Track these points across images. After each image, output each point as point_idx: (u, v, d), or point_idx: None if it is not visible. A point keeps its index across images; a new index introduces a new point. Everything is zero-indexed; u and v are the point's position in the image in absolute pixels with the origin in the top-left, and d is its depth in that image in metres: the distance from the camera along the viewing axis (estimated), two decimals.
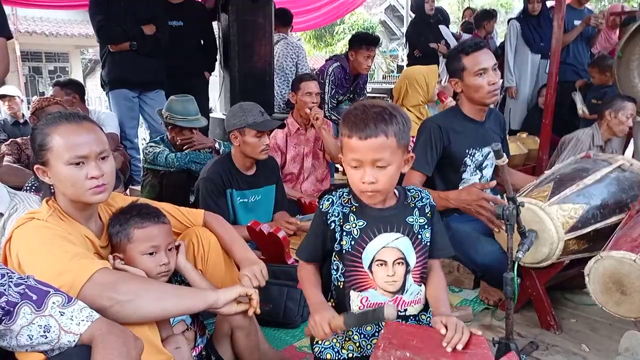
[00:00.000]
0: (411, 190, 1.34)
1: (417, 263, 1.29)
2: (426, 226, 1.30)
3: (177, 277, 1.56)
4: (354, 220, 1.27)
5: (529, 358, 1.78)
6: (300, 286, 1.37)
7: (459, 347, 1.11)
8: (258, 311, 1.37)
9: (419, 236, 1.29)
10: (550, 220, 1.74)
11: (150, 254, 1.40)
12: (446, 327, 1.14)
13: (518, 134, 4.07)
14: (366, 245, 1.26)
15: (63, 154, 1.24)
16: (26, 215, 1.29)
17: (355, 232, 1.26)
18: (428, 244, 1.31)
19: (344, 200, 1.30)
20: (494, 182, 2.05)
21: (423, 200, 1.33)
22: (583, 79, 4.32)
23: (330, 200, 1.30)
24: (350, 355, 1.29)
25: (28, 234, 1.23)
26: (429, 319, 1.34)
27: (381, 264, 1.26)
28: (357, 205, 1.28)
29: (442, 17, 5.73)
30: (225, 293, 1.31)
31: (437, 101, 3.17)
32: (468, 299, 2.24)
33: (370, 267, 1.27)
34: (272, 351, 1.67)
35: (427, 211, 1.31)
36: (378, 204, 1.28)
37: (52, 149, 1.25)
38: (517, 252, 1.57)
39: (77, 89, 3.56)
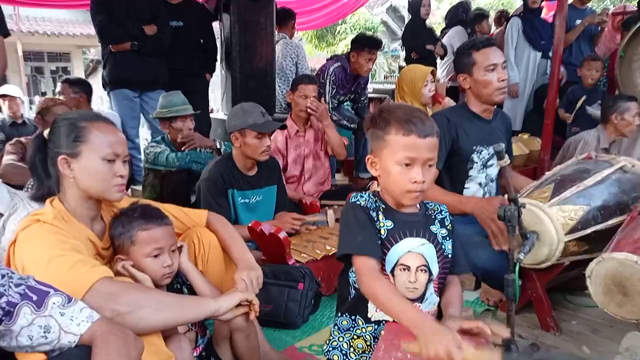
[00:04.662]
0: (430, 204, 1.34)
1: (439, 273, 1.27)
2: (448, 238, 1.29)
3: (178, 279, 1.56)
4: (383, 219, 1.24)
5: None
6: (387, 303, 1.12)
7: None
8: (257, 314, 1.37)
9: (442, 246, 1.27)
10: (550, 221, 1.74)
11: (155, 256, 1.40)
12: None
13: (520, 135, 4.04)
14: (391, 247, 1.22)
15: (102, 148, 1.30)
16: (31, 216, 1.29)
17: (383, 232, 1.22)
18: (449, 255, 1.29)
19: (372, 200, 1.27)
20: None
21: (442, 213, 1.32)
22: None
23: (364, 197, 1.27)
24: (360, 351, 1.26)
25: (32, 239, 1.22)
26: None
27: (404, 269, 1.22)
28: (384, 206, 1.26)
29: (466, 15, 5.52)
30: (226, 301, 1.31)
31: (429, 107, 3.16)
32: (469, 300, 2.24)
33: (392, 270, 1.23)
34: (273, 352, 1.67)
35: (447, 224, 1.31)
36: (404, 208, 1.26)
37: (89, 142, 1.29)
38: (518, 253, 1.57)
39: (85, 89, 3.58)
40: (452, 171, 2.19)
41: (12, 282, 0.98)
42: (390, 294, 1.12)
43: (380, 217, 1.24)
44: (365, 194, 1.30)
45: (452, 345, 0.98)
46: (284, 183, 2.79)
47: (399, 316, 1.10)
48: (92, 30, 3.80)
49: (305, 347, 1.87)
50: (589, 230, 1.77)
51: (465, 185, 2.21)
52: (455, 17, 5.49)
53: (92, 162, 1.30)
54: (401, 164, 1.18)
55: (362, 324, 1.28)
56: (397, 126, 1.18)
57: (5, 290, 0.96)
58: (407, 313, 1.09)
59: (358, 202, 1.26)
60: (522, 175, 2.57)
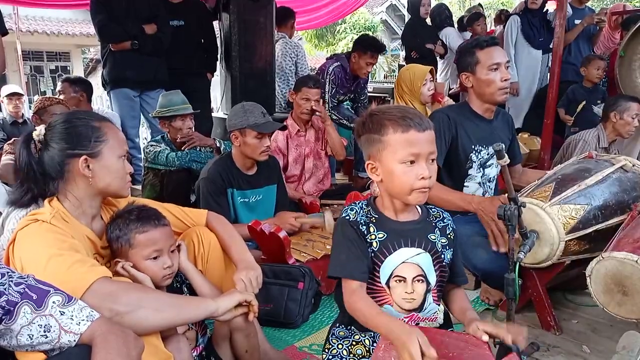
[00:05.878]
0: (433, 210, 1.32)
1: (437, 281, 1.25)
2: (448, 247, 1.28)
3: (178, 278, 1.56)
4: (374, 231, 1.22)
5: (530, 359, 1.78)
6: (367, 320, 1.13)
7: None
8: (256, 315, 1.37)
9: (442, 255, 1.25)
10: (551, 220, 1.74)
11: (154, 258, 1.39)
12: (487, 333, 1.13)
13: (520, 134, 4.04)
14: (385, 259, 1.21)
15: (119, 147, 1.38)
16: (29, 216, 1.28)
17: (375, 245, 1.21)
18: (447, 264, 1.27)
19: (364, 211, 1.25)
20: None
21: (445, 221, 1.30)
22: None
23: (354, 210, 1.25)
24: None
25: (31, 238, 1.22)
26: None
27: (399, 280, 1.21)
28: (376, 216, 1.24)
29: (449, 12, 5.57)
30: (225, 301, 1.31)
31: (429, 106, 3.17)
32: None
33: (387, 282, 1.22)
34: (273, 351, 1.67)
35: (448, 232, 1.29)
36: (400, 217, 1.25)
37: (108, 142, 1.35)
38: (518, 253, 1.56)
39: (85, 88, 3.56)
40: (451, 170, 2.19)
41: (12, 281, 0.98)
42: (368, 310, 1.13)
43: (372, 229, 1.22)
44: (357, 204, 1.28)
45: (411, 346, 0.99)
46: (284, 182, 2.78)
47: (379, 329, 1.11)
48: (92, 30, 3.80)
49: (306, 346, 1.87)
50: (589, 230, 1.77)
51: (465, 184, 2.21)
52: (441, 14, 5.48)
53: (112, 161, 1.36)
54: (405, 162, 1.15)
55: (358, 331, 1.28)
56: (394, 124, 1.16)
57: (5, 289, 0.96)
58: (382, 326, 1.09)
59: (347, 217, 1.24)
60: (532, 170, 2.56)
